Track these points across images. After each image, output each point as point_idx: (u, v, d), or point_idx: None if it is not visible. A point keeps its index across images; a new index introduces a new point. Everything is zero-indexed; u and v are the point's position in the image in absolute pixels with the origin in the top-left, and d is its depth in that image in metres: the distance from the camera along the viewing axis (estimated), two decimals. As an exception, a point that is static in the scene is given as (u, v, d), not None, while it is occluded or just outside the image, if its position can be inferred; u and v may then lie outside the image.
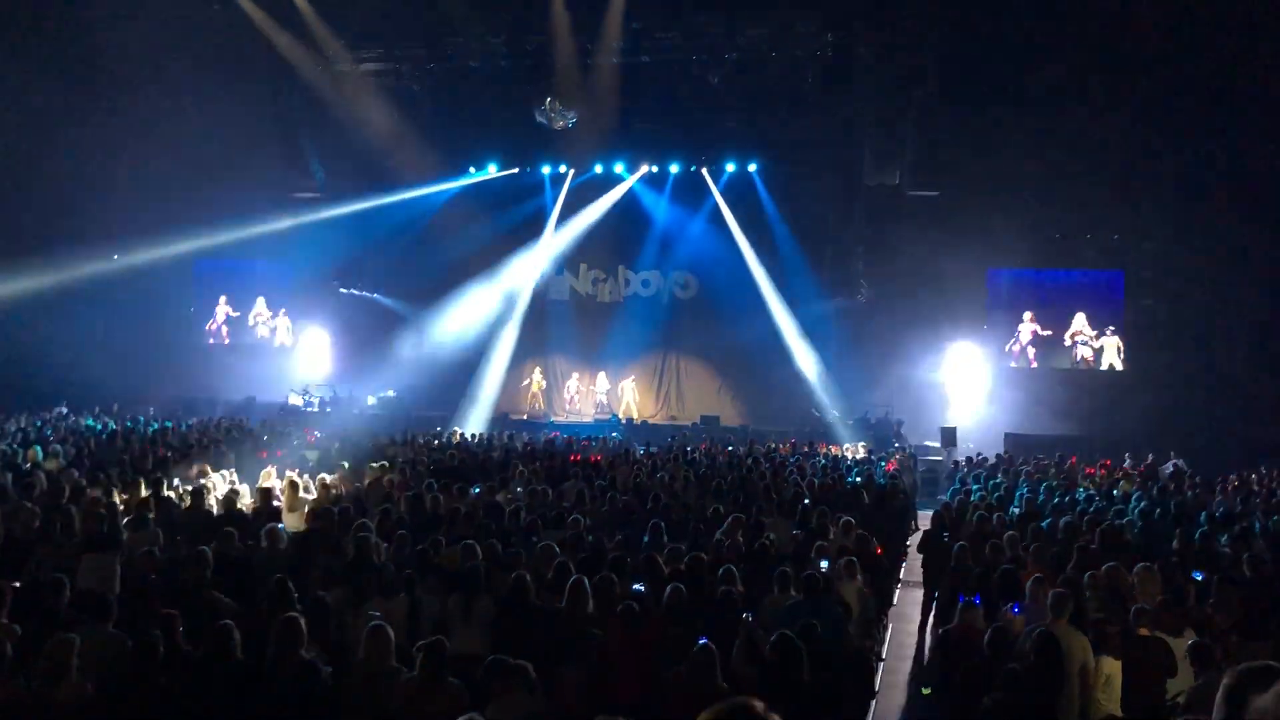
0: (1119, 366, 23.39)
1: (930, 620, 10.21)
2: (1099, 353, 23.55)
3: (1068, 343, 23.79)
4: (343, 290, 26.48)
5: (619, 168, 26.11)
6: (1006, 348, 24.15)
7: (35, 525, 9.42)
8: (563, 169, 26.55)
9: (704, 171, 25.69)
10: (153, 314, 26.63)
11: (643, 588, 7.71)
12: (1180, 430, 19.97)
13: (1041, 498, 13.47)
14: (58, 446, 15.84)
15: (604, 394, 26.56)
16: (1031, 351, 24.05)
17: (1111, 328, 23.53)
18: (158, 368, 25.15)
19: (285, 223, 25.12)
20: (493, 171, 26.59)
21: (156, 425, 19.92)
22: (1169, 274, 22.76)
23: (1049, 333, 23.94)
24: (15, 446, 15.93)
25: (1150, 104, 20.89)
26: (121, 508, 10.59)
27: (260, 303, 28.40)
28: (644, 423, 25.22)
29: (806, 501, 11.95)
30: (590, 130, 24.12)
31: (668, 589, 7.39)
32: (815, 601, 7.41)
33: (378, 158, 24.52)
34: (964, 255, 22.74)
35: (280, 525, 9.26)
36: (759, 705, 1.76)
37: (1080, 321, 23.75)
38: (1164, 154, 21.31)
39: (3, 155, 22.80)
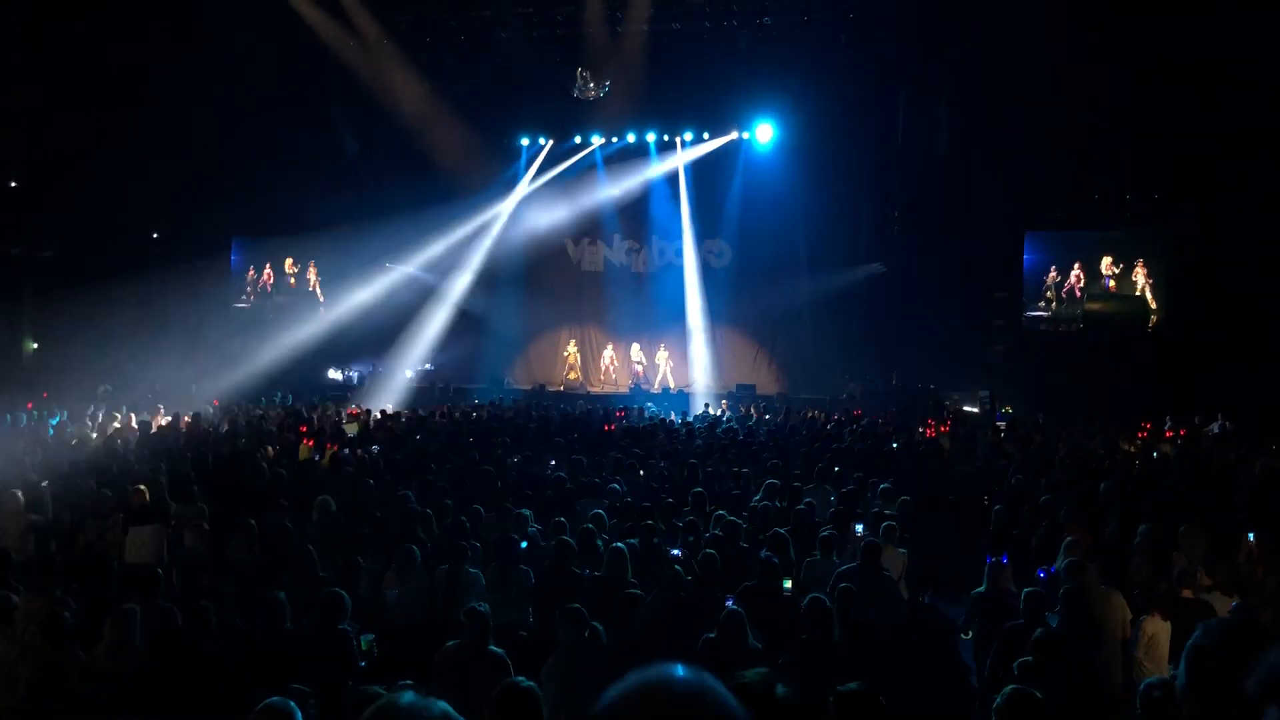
0: (1149, 296, 22.94)
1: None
2: (1136, 286, 23.08)
3: (1104, 272, 23.33)
4: (388, 266, 26.49)
5: (650, 136, 25.99)
6: (1061, 291, 23.70)
7: (85, 501, 9.63)
8: (594, 138, 26.43)
9: (737, 137, 25.51)
10: (192, 291, 26.81)
11: (681, 553, 7.76)
12: (1227, 393, 19.64)
13: (1081, 461, 13.36)
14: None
15: (639, 364, 26.58)
16: (1078, 292, 23.62)
17: (1140, 259, 23.09)
18: (198, 345, 25.39)
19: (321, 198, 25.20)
20: (524, 143, 26.62)
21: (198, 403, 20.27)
22: (1213, 234, 22.32)
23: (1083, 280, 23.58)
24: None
25: (1194, 60, 20.42)
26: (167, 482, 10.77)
27: (289, 261, 28.52)
28: (680, 392, 25.23)
29: (839, 468, 11.95)
30: (621, 99, 24.01)
31: (701, 555, 7.44)
32: (864, 569, 7.42)
33: (410, 130, 24.53)
34: (1002, 217, 22.44)
35: (328, 498, 9.39)
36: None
37: (1107, 261, 23.36)
38: (1208, 111, 20.85)
39: (38, 138, 23.08)
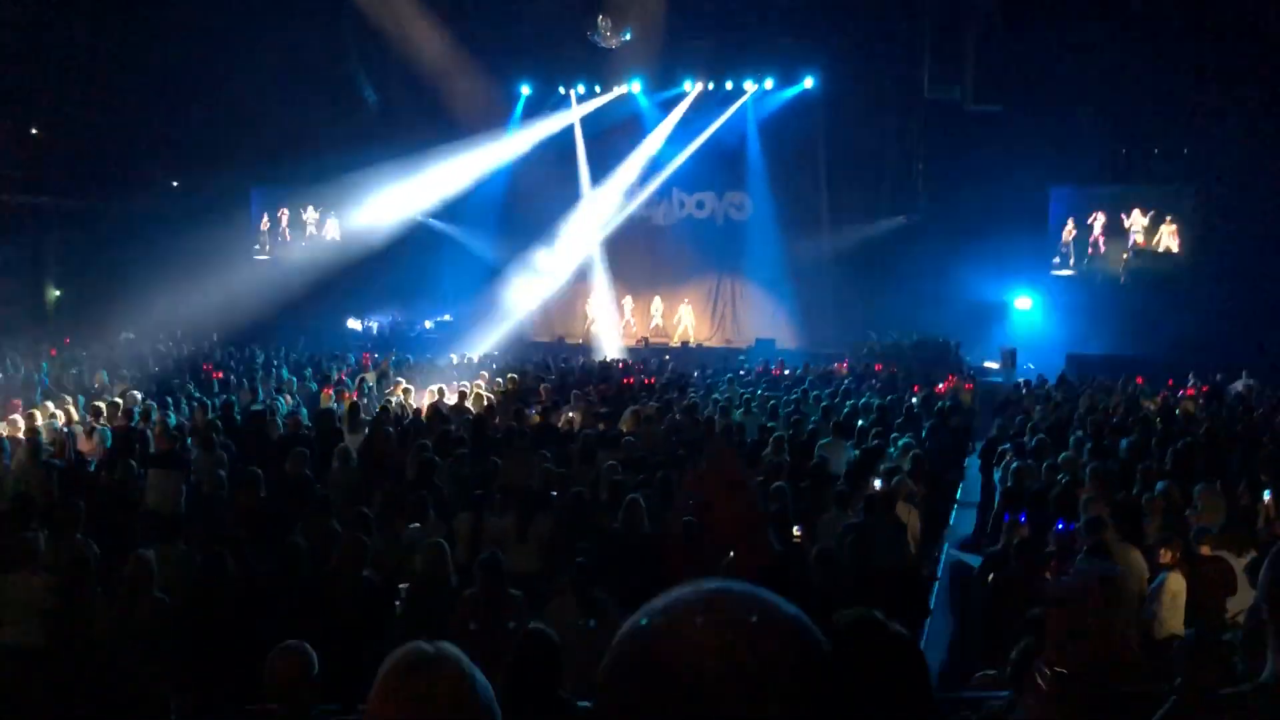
0: (1174, 249, 22.66)
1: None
2: (1163, 242, 22.73)
3: (1128, 226, 22.97)
4: (406, 215, 26.25)
5: (671, 86, 25.66)
6: (1086, 246, 23.35)
7: (106, 447, 9.71)
8: (612, 88, 26.03)
9: (759, 88, 25.16)
10: (212, 240, 26.84)
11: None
12: (1253, 351, 19.43)
13: (1102, 418, 13.27)
14: (124, 371, 16.30)
15: (659, 318, 26.49)
16: (1102, 245, 23.29)
17: (1169, 216, 22.73)
18: (219, 294, 25.44)
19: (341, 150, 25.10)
20: (543, 93, 26.35)
21: (219, 353, 20.44)
22: (1242, 189, 21.96)
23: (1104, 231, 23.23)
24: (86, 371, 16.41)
25: (1224, 11, 20.03)
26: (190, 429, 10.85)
27: (309, 209, 28.38)
28: (699, 346, 25.17)
29: (862, 422, 11.91)
30: (641, 48, 23.72)
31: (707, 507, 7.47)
32: (872, 520, 7.43)
33: (430, 82, 24.33)
34: (1026, 171, 22.14)
35: (348, 445, 9.42)
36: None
37: (1136, 214, 23.01)
38: (1239, 61, 20.44)
39: (60, 88, 23.10)
